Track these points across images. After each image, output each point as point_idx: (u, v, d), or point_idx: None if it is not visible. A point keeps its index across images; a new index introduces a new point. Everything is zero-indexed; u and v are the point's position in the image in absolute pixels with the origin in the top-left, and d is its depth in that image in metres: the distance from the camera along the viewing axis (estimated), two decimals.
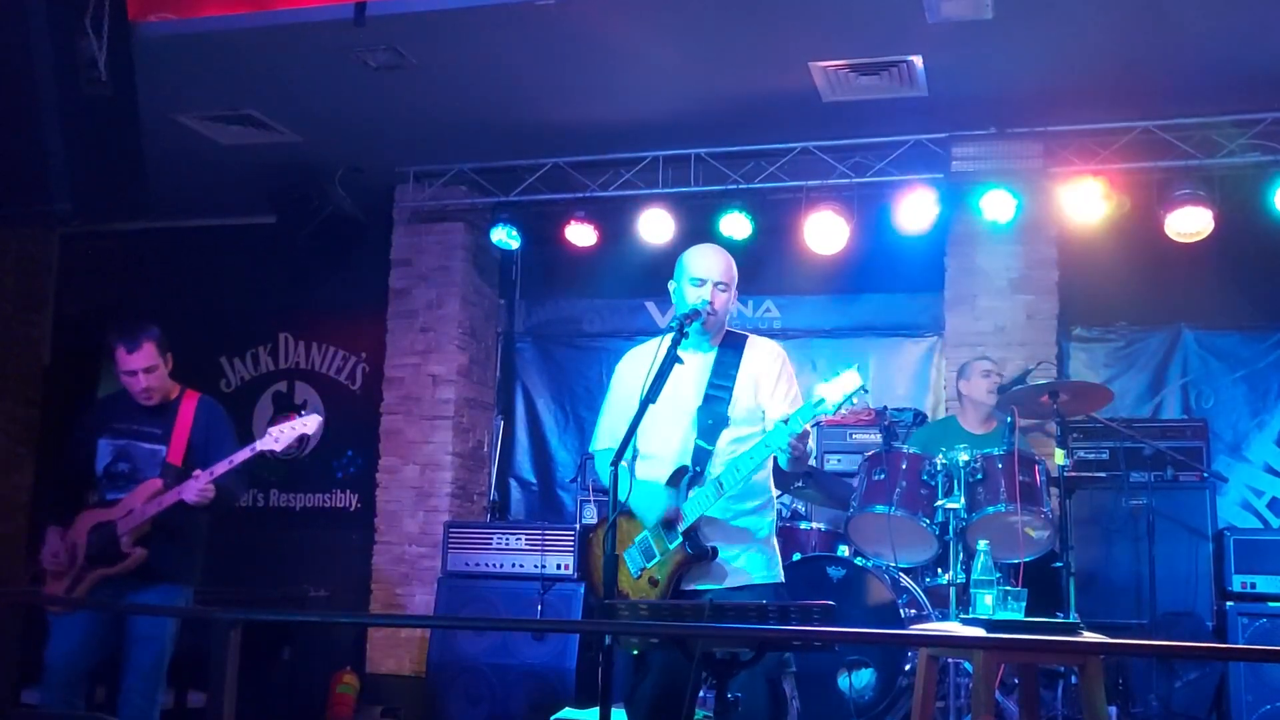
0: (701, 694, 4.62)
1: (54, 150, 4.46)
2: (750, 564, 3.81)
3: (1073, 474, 5.89)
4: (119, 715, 4.57)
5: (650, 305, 7.67)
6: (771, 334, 7.07)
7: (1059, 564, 5.12)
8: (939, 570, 5.44)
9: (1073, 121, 6.38)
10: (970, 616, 4.06)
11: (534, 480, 7.89)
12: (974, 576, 4.13)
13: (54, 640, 4.61)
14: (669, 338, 3.74)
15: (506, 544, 6.64)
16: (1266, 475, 6.68)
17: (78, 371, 8.16)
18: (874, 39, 5.58)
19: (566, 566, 6.51)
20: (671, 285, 3.96)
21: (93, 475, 4.79)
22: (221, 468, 4.56)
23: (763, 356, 3.94)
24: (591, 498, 6.87)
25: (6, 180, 4.60)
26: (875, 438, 6.03)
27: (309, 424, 4.73)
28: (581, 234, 7.14)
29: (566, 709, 5.81)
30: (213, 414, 4.89)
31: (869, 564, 5.51)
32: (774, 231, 6.92)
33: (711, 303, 3.83)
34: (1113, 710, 5.19)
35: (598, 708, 3.30)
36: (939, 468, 5.12)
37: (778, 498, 5.29)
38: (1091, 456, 6.26)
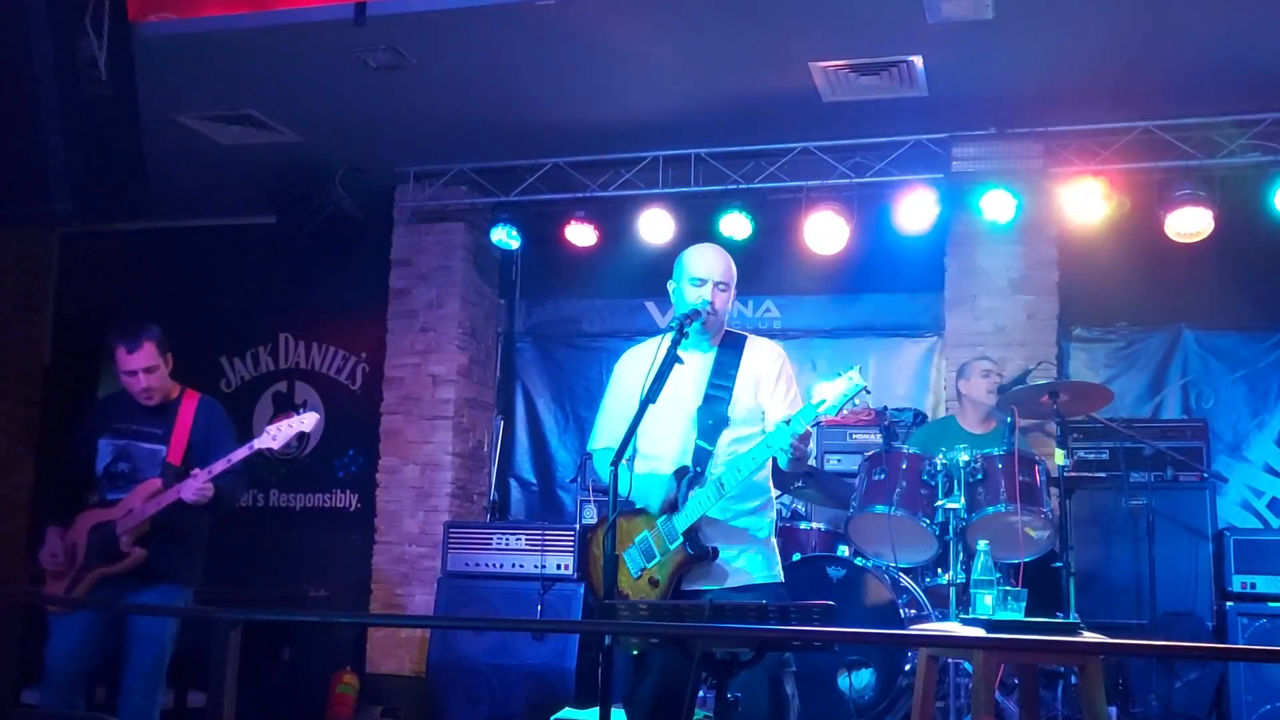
0: (701, 694, 4.63)
1: (54, 150, 4.46)
2: (750, 564, 3.81)
3: (1073, 474, 5.89)
4: (119, 715, 4.57)
5: (650, 305, 7.67)
6: (771, 334, 7.08)
7: (1059, 564, 5.12)
8: (939, 570, 5.43)
9: (1073, 121, 6.38)
10: (970, 616, 4.06)
11: (534, 480, 7.89)
12: (974, 576, 4.13)
13: (54, 640, 4.60)
14: (669, 337, 3.73)
15: (506, 544, 6.64)
16: (1266, 475, 6.68)
17: (78, 371, 8.17)
18: (874, 39, 5.58)
19: (566, 566, 6.51)
20: (671, 285, 3.96)
21: (93, 475, 4.79)
22: (219, 466, 4.56)
23: (763, 357, 3.94)
24: (591, 498, 6.87)
25: (6, 180, 4.60)
26: (875, 438, 6.03)
27: (306, 421, 4.73)
28: (581, 234, 7.14)
29: (566, 709, 5.81)
30: (213, 414, 4.89)
31: (869, 564, 5.51)
32: (774, 231, 6.92)
33: (712, 302, 3.83)
34: (1113, 710, 5.19)
35: (598, 708, 3.30)
36: (939, 468, 5.12)
37: (777, 498, 5.29)
38: (1091, 456, 6.26)
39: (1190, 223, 6.27)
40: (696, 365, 3.85)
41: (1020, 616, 3.96)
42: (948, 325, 7.01)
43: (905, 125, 6.49)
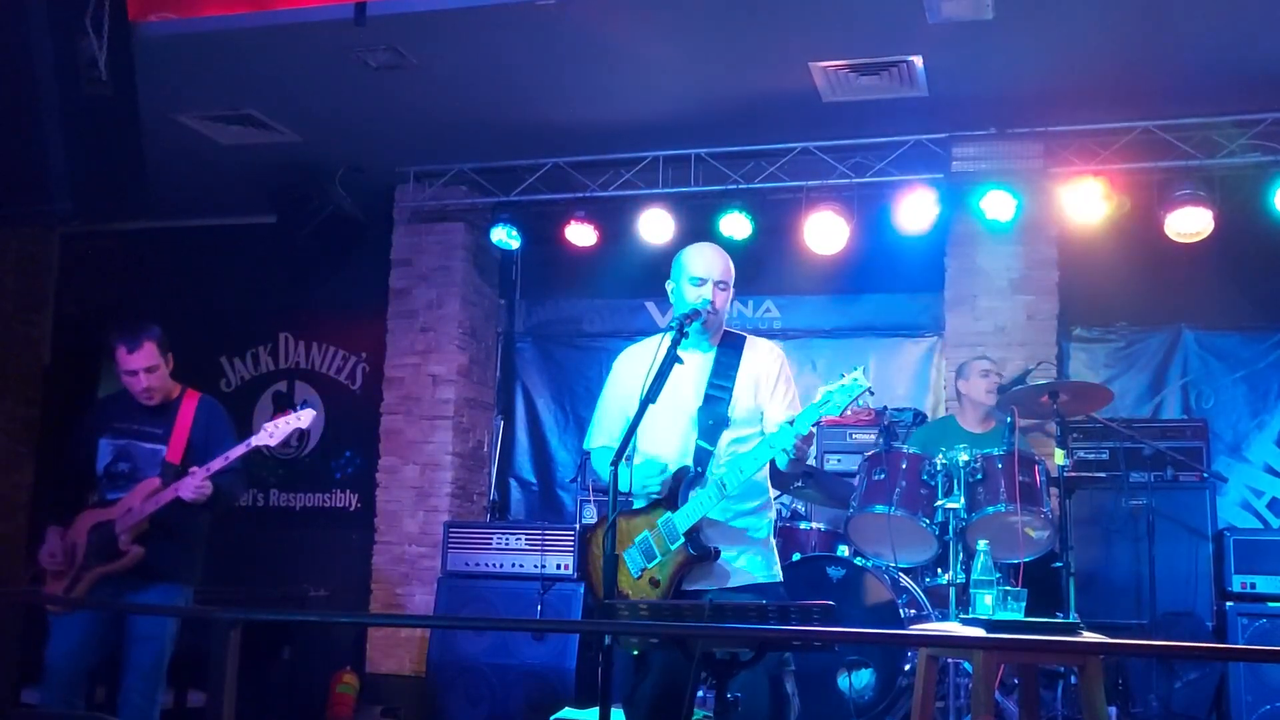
0: (701, 694, 4.63)
1: (54, 150, 4.45)
2: (751, 564, 3.81)
3: (1073, 474, 5.89)
4: (119, 715, 4.57)
5: (650, 305, 7.67)
6: (771, 334, 7.08)
7: (1059, 564, 5.13)
8: (939, 570, 5.43)
9: (1073, 121, 6.38)
10: (970, 616, 4.06)
11: (534, 480, 7.89)
12: (974, 576, 4.13)
13: (54, 640, 4.61)
14: (668, 337, 3.72)
15: (506, 544, 6.64)
16: (1266, 475, 6.68)
17: (78, 371, 8.17)
18: (874, 39, 5.58)
19: (566, 566, 6.51)
20: (669, 285, 3.95)
21: (93, 475, 4.79)
22: (218, 464, 4.56)
23: (762, 358, 3.94)
24: (591, 498, 6.87)
25: (6, 180, 4.60)
26: (875, 437, 6.02)
27: (304, 419, 4.73)
28: (581, 234, 7.14)
29: (566, 709, 5.81)
30: (213, 413, 4.90)
31: (869, 564, 5.51)
32: (774, 231, 6.92)
33: (712, 302, 3.83)
34: (1113, 710, 5.19)
35: (598, 708, 3.30)
36: (939, 468, 5.12)
37: (777, 498, 5.28)
38: (1091, 456, 6.26)
39: (1190, 223, 6.27)
40: (696, 365, 3.85)
41: (1020, 616, 3.97)
42: (948, 325, 7.01)
43: (905, 125, 6.49)
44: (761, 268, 7.11)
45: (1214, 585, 5.87)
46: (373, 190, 7.51)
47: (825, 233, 6.71)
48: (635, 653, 3.62)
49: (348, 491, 7.91)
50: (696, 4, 5.32)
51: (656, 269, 4.27)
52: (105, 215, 6.68)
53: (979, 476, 5.07)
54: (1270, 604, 5.65)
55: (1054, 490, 5.28)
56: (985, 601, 4.04)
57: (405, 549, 7.46)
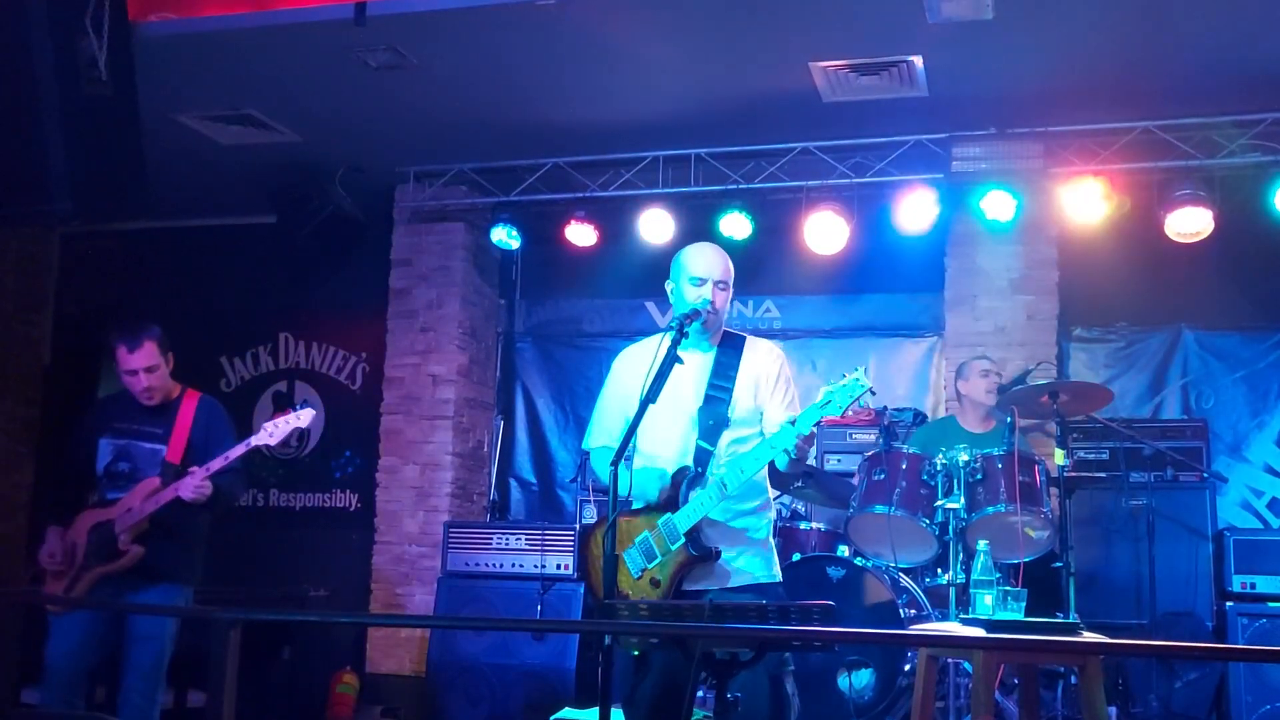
0: (701, 694, 4.63)
1: (54, 150, 4.45)
2: (750, 564, 3.81)
3: (1073, 474, 5.89)
4: (119, 715, 4.57)
5: (650, 305, 7.67)
6: (771, 334, 7.09)
7: (1059, 564, 5.13)
8: (939, 570, 5.43)
9: (1073, 121, 6.38)
10: (970, 616, 4.06)
11: (534, 480, 7.89)
12: (974, 576, 4.13)
13: (54, 640, 4.61)
14: (668, 337, 3.72)
15: (506, 544, 6.64)
16: (1266, 475, 6.68)
17: (78, 371, 8.17)
18: (874, 39, 5.58)
19: (566, 566, 6.52)
20: (669, 285, 3.95)
21: (93, 475, 4.79)
22: (217, 464, 4.56)
23: (762, 358, 3.93)
24: (591, 498, 6.87)
25: (6, 180, 4.60)
26: (875, 438, 6.02)
27: (303, 418, 4.73)
28: (581, 234, 7.14)
29: (566, 709, 5.81)
30: (213, 413, 4.90)
31: (869, 564, 5.51)
32: (774, 231, 6.92)
33: (712, 301, 3.82)
34: (1113, 710, 5.19)
35: (598, 708, 3.30)
36: (939, 468, 5.12)
37: (776, 498, 5.28)
38: (1091, 456, 6.26)
39: (1190, 223, 6.27)
40: (696, 365, 3.85)
41: (1020, 616, 3.97)
42: (948, 325, 7.01)
43: (905, 125, 6.49)
44: (761, 268, 7.12)
45: (1214, 585, 5.87)
46: (373, 190, 7.51)
47: (825, 233, 6.71)
48: (635, 653, 3.62)
49: (348, 491, 7.91)
50: (696, 4, 5.32)
51: (656, 269, 4.26)
52: (105, 215, 6.68)
53: (979, 476, 5.07)
54: (1270, 604, 5.66)
55: (1054, 490, 5.28)
56: (985, 601, 4.04)
57: (405, 549, 7.46)
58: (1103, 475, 6.16)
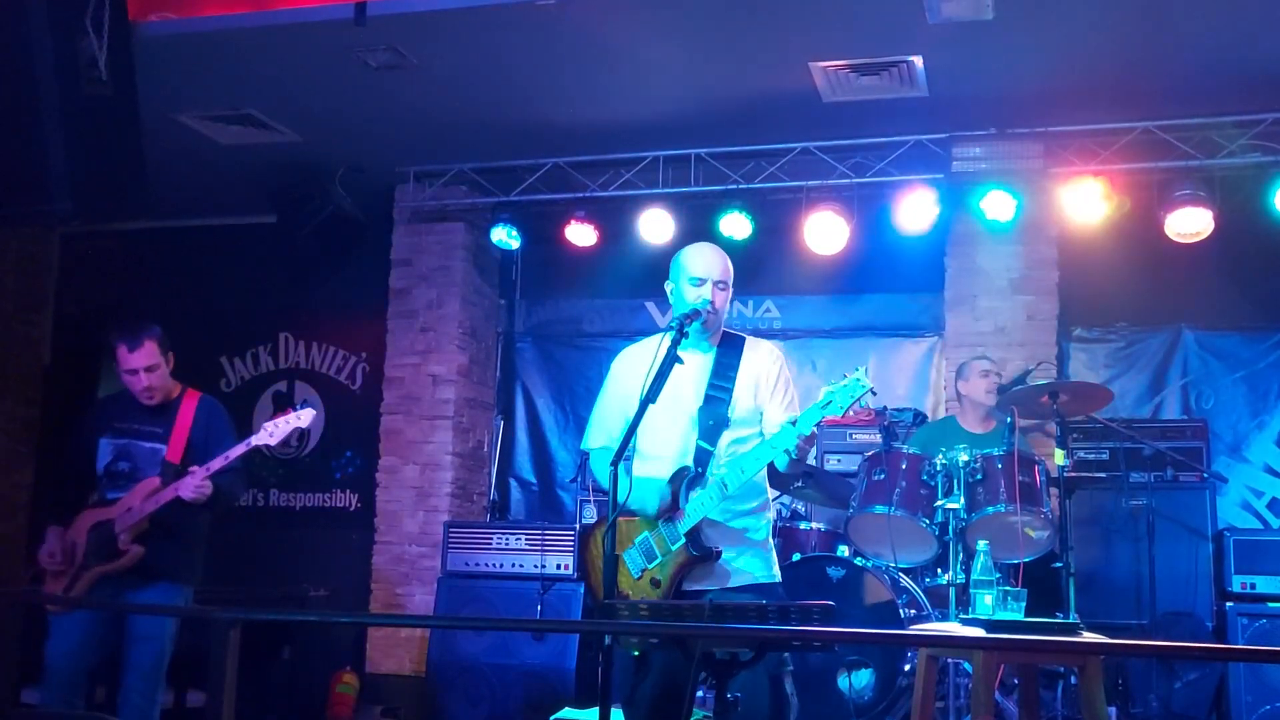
0: (701, 694, 4.63)
1: (54, 150, 4.45)
2: (750, 564, 3.81)
3: (1073, 474, 5.89)
4: (119, 715, 4.57)
5: (650, 305, 7.67)
6: (771, 334, 7.10)
7: (1059, 564, 5.12)
8: (939, 570, 5.44)
9: (1073, 122, 6.38)
10: (970, 616, 4.06)
11: (534, 480, 7.89)
12: (974, 576, 4.12)
13: (54, 639, 4.61)
14: (668, 337, 3.71)
15: (506, 544, 6.64)
16: (1266, 475, 6.68)
17: (78, 371, 8.17)
18: (874, 39, 5.58)
19: (566, 566, 6.51)
20: (669, 285, 3.95)
21: (93, 475, 4.79)
22: (217, 464, 4.56)
23: (762, 359, 3.93)
24: (591, 498, 6.87)
25: (6, 180, 4.60)
26: (875, 438, 6.03)
27: (303, 418, 4.73)
28: (581, 234, 7.14)
29: (566, 709, 5.81)
30: (213, 413, 4.90)
31: (869, 564, 5.51)
32: (774, 231, 6.92)
33: (712, 301, 3.82)
34: (1112, 710, 5.19)
35: (598, 708, 3.30)
36: (939, 468, 5.12)
37: (776, 498, 5.27)
38: (1091, 457, 6.26)
39: (1190, 223, 6.27)
40: (696, 365, 3.85)
41: (1020, 616, 3.96)
42: (948, 325, 7.01)
43: (905, 125, 6.49)
44: (761, 268, 7.12)
45: (1214, 585, 5.87)
46: (373, 190, 7.51)
47: (825, 233, 6.71)
48: (635, 653, 3.62)
49: (348, 491, 7.91)
50: (696, 4, 5.32)
51: (656, 269, 4.26)
52: (105, 215, 6.69)
53: (979, 477, 5.07)
54: (1270, 604, 5.66)
55: (1054, 490, 5.27)
56: (985, 601, 4.04)
57: (405, 549, 7.46)
58: (1103, 475, 6.16)
